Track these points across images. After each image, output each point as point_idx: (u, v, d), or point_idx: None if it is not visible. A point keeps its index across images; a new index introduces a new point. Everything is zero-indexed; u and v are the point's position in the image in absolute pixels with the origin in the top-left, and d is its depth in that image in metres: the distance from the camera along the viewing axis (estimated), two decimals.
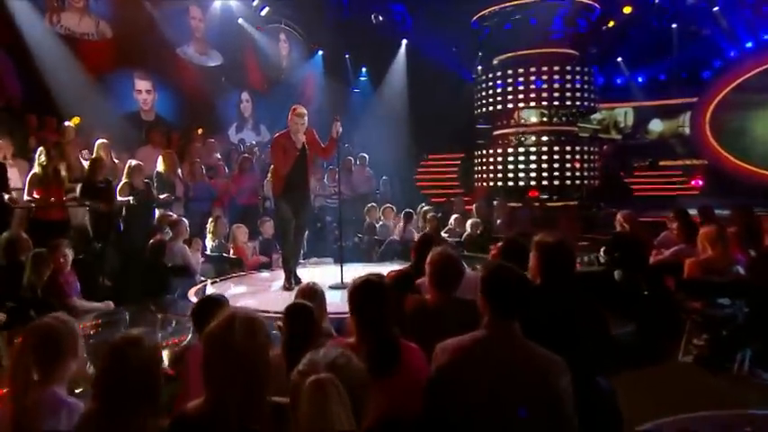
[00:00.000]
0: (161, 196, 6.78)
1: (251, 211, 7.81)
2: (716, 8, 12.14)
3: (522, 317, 2.16)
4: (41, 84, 8.24)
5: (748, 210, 5.53)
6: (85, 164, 6.56)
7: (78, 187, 6.15)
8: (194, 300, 4.96)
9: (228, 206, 7.79)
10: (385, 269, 6.70)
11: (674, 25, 12.67)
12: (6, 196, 5.67)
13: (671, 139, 13.78)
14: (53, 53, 8.55)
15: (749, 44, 12.57)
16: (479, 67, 11.94)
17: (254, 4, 11.78)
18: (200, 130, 10.34)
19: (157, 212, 6.83)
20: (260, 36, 12.22)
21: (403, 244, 7.31)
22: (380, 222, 8.32)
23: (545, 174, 10.22)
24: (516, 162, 10.40)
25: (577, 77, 10.36)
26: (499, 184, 10.57)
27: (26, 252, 4.56)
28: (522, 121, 10.86)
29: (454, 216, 8.23)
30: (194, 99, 10.71)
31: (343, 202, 9.00)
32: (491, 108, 10.82)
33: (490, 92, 10.77)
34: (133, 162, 6.71)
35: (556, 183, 10.23)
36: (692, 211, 5.74)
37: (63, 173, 6.02)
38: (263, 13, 12.02)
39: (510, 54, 10.85)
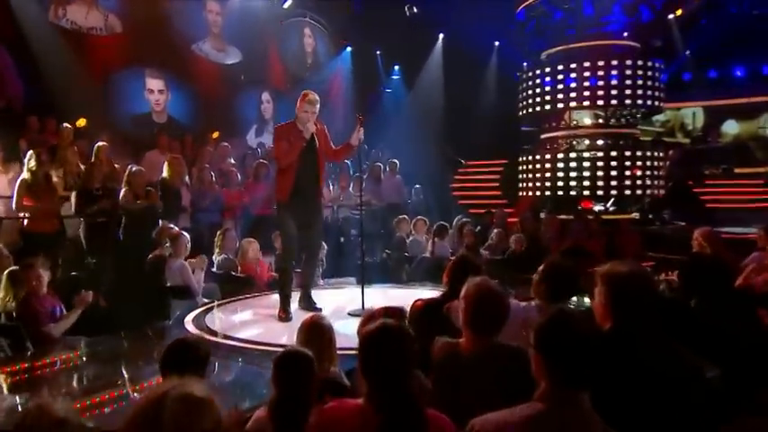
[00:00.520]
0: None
1: (266, 222, 7.43)
2: None
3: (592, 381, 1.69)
4: (44, 83, 8.18)
5: None
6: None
7: (73, 195, 5.99)
8: (191, 328, 4.58)
9: (241, 217, 7.47)
10: (413, 293, 6.25)
11: (755, 11, 11.85)
12: None
13: (749, 142, 12.99)
14: (57, 49, 8.49)
15: None
16: (525, 63, 11.59)
17: None
18: (215, 134, 10.14)
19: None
20: (282, 31, 12.14)
21: (435, 262, 6.90)
22: (411, 237, 7.88)
23: (600, 182, 9.71)
24: (567, 169, 9.94)
25: (638, 73, 9.79)
26: (547, 193, 10.15)
27: (3, 270, 4.27)
28: (574, 123, 10.46)
29: (495, 230, 7.77)
30: (210, 99, 10.59)
31: (369, 213, 9.01)
32: (538, 109, 10.38)
33: (537, 90, 10.35)
34: (133, 168, 6.52)
35: (613, 193, 9.72)
36: None
37: (55, 179, 5.83)
38: (286, 5, 11.93)
39: (560, 47, 10.43)
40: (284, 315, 4.90)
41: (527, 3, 10.49)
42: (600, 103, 9.91)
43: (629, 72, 9.75)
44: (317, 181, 4.93)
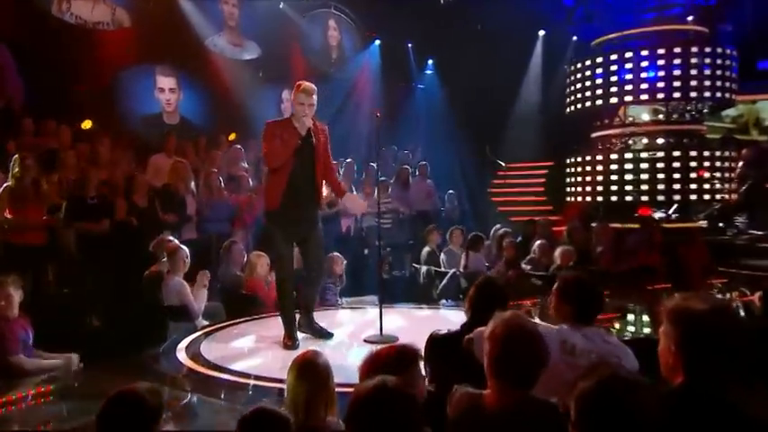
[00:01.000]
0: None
1: None
2: None
3: None
4: (47, 82, 8.13)
5: None
6: None
7: (64, 204, 5.86)
8: (182, 356, 4.27)
9: (253, 227, 7.20)
10: (442, 316, 5.85)
11: None
12: None
13: None
14: (61, 46, 8.43)
15: None
16: (573, 54, 11.37)
17: None
18: (232, 135, 9.97)
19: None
20: (305, 23, 11.96)
21: (469, 279, 6.53)
22: (446, 249, 7.53)
23: (661, 186, 9.33)
24: (622, 171, 9.59)
25: (706, 62, 9.31)
26: (599, 199, 9.84)
27: None
28: (630, 119, 10.15)
29: (538, 242, 7.35)
30: (226, 98, 10.45)
31: (396, 221, 8.89)
32: (588, 104, 10.09)
33: (587, 84, 10.03)
34: (133, 173, 6.40)
35: (676, 198, 9.31)
36: None
37: (45, 186, 5.66)
38: None
39: (613, 35, 10.07)
40: (290, 342, 4.56)
41: None
42: (660, 96, 9.53)
43: (694, 61, 9.31)
44: (313, 185, 4.58)
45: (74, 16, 8.86)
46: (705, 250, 7.96)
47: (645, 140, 9.82)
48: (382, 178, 9.00)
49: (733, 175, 9.62)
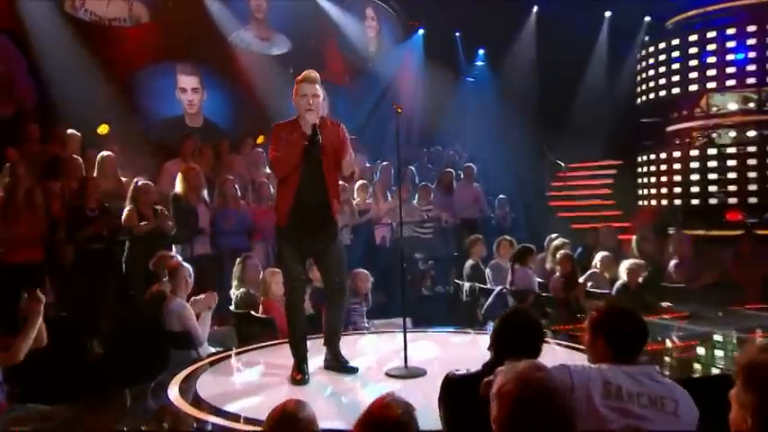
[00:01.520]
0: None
1: None
2: None
3: None
4: (59, 84, 8.20)
5: None
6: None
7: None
8: (172, 395, 4.01)
9: (273, 239, 6.98)
10: (481, 343, 5.42)
11: None
12: None
13: None
14: (74, 45, 8.45)
15: None
16: (645, 37, 11.28)
17: None
18: (260, 138, 9.87)
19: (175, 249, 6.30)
20: (340, 14, 11.84)
21: (517, 298, 6.23)
22: (492, 262, 7.28)
23: (753, 186, 9.29)
24: (705, 170, 9.61)
25: None
26: (677, 202, 9.84)
27: None
28: (714, 109, 10.07)
29: (601, 254, 6.93)
30: (253, 98, 10.36)
31: (439, 231, 8.76)
32: (663, 93, 10.33)
33: (662, 70, 10.26)
34: (140, 182, 6.22)
35: None
36: None
37: (40, 198, 5.57)
38: None
39: (693, 11, 10.14)
40: (298, 377, 4.22)
41: None
42: (750, 82, 9.52)
43: None
44: (325, 193, 4.26)
45: (88, 13, 8.92)
46: None
47: (732, 133, 9.79)
48: (422, 183, 9.02)
49: None
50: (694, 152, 9.75)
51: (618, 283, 6.41)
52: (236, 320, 5.79)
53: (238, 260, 6.06)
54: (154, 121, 9.58)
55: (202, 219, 6.63)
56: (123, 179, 6.69)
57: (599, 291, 6.30)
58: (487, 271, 7.20)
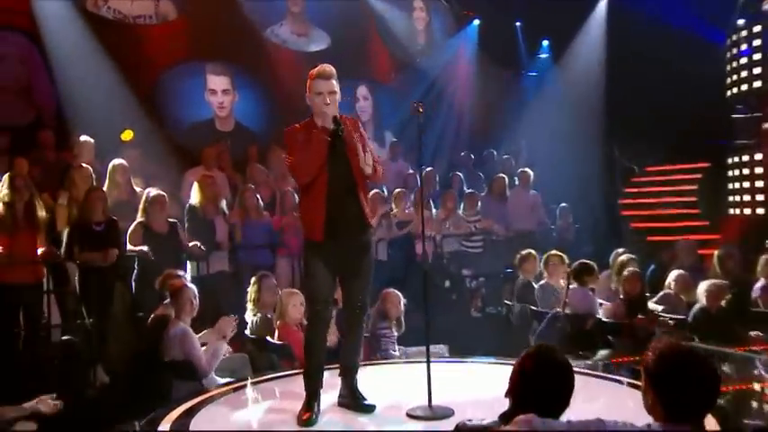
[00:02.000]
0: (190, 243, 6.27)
1: None
2: None
3: None
4: (79, 87, 8.35)
5: None
6: None
7: (65, 232, 5.75)
8: None
9: (299, 254, 6.86)
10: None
11: None
12: None
13: None
14: (97, 45, 8.62)
15: None
16: (739, 20, 10.64)
17: None
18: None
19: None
20: (385, 5, 11.84)
21: (573, 323, 5.89)
22: (542, 281, 6.90)
23: None
24: None
25: None
26: None
27: None
28: None
29: (675, 273, 6.55)
30: (290, 99, 10.30)
31: (490, 245, 8.57)
32: (758, 84, 9.71)
33: (757, 57, 9.66)
34: (152, 192, 6.19)
35: None
36: None
37: (41, 212, 5.56)
38: None
39: None
40: (305, 416, 3.95)
41: None
42: None
43: None
44: (355, 196, 4.04)
45: (112, 10, 9.15)
46: None
47: None
48: (469, 191, 8.83)
49: None
50: None
51: (695, 307, 6.06)
52: (249, 346, 5.59)
53: (253, 280, 5.90)
54: (181, 126, 9.73)
55: (219, 232, 6.59)
56: (138, 189, 6.69)
57: (671, 316, 5.96)
58: (537, 291, 6.86)
